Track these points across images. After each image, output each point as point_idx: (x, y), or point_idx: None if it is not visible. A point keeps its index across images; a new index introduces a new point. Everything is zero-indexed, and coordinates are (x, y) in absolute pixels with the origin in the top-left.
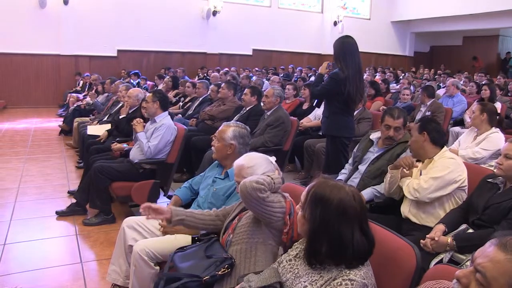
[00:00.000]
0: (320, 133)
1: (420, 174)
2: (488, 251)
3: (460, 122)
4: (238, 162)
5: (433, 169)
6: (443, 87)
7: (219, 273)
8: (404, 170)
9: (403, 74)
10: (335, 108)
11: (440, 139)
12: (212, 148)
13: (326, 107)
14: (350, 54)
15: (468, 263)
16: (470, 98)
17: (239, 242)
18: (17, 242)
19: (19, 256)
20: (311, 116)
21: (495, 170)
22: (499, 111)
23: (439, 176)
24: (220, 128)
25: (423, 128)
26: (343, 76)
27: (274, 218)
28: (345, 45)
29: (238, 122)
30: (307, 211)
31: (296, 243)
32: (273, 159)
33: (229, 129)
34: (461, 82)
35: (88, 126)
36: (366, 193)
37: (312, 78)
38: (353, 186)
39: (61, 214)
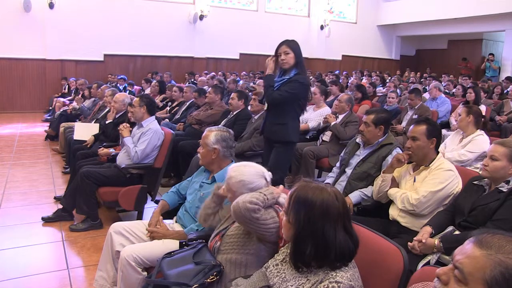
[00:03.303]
0: (307, 137)
1: (414, 181)
2: (466, 248)
3: (446, 125)
4: (229, 173)
5: (431, 181)
6: (429, 90)
7: (208, 280)
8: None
9: (389, 78)
10: (293, 114)
11: (439, 144)
12: (198, 154)
13: (280, 113)
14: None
15: None
16: (456, 101)
17: (229, 252)
18: (2, 249)
19: (3, 263)
20: None
21: (481, 172)
22: (483, 113)
23: (438, 190)
24: (203, 134)
25: (433, 135)
26: (307, 79)
27: (267, 233)
28: (299, 48)
29: (220, 126)
30: (291, 215)
31: (282, 248)
32: (268, 175)
33: (211, 134)
34: (443, 84)
35: (76, 124)
36: (354, 196)
37: None
38: (335, 187)
39: (47, 220)
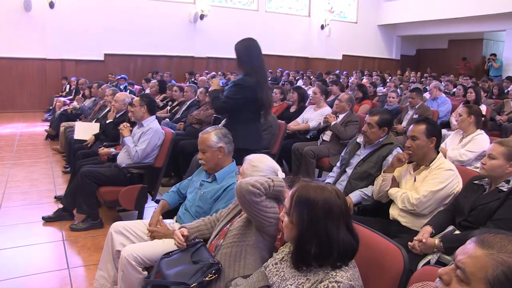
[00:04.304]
0: (308, 136)
1: (414, 180)
2: (468, 248)
3: (447, 125)
4: (248, 156)
5: (431, 180)
6: (429, 90)
7: (207, 279)
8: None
9: (390, 77)
10: (245, 118)
11: (439, 144)
12: (201, 161)
13: (233, 118)
14: (257, 58)
15: None
16: (456, 100)
17: (229, 245)
18: (2, 249)
19: (4, 263)
20: (298, 119)
21: (480, 171)
22: (484, 113)
23: (438, 189)
24: (200, 140)
25: (433, 134)
26: (253, 81)
27: (266, 222)
28: (251, 48)
29: (213, 126)
30: (294, 216)
31: (281, 247)
32: (281, 173)
33: (211, 135)
34: (443, 84)
35: (76, 124)
36: (354, 196)
37: (300, 82)
38: (335, 186)
39: (47, 220)
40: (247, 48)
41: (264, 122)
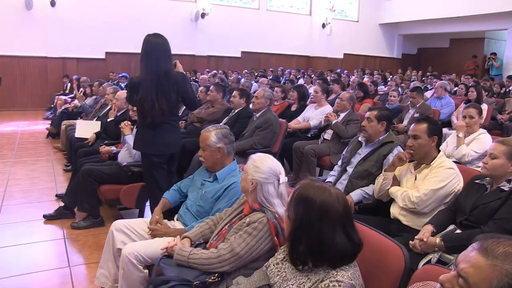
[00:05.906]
0: (309, 135)
1: (415, 179)
2: (470, 256)
3: (448, 124)
4: (253, 156)
5: (432, 179)
6: (431, 89)
7: (210, 280)
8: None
9: (391, 76)
10: (139, 119)
11: (440, 143)
12: (200, 158)
13: None
14: (149, 55)
15: None
16: (458, 99)
17: None
18: (4, 247)
19: (5, 261)
20: (299, 118)
21: (481, 170)
22: (485, 112)
23: (439, 188)
24: (201, 137)
25: (434, 133)
26: (136, 80)
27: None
28: (147, 44)
29: (216, 124)
30: (290, 211)
31: (282, 247)
32: (283, 176)
33: (212, 134)
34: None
35: (77, 122)
36: (355, 195)
37: (301, 81)
38: (339, 189)
39: (48, 218)
40: (143, 44)
41: (265, 120)
